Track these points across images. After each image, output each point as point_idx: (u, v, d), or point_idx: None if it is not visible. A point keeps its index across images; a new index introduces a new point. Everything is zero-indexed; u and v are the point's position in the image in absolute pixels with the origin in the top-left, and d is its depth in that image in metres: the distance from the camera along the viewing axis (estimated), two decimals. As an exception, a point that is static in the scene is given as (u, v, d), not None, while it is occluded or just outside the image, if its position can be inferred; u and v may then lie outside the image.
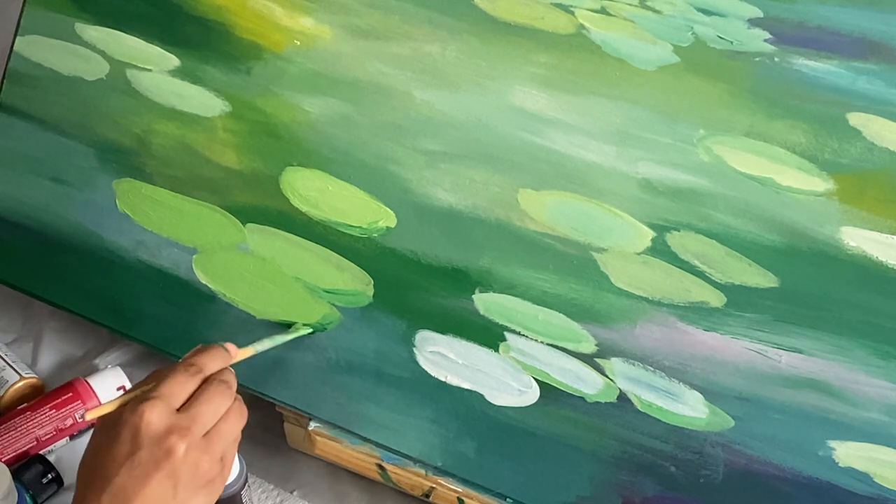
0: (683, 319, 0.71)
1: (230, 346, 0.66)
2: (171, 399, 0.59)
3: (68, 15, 0.88)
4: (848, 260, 0.69)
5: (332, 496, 0.82)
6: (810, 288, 0.69)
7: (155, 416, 0.58)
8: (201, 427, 0.59)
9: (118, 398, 0.60)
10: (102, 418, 0.60)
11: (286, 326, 0.79)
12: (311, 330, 0.79)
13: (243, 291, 0.81)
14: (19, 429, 0.82)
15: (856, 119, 0.70)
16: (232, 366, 0.66)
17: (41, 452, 0.83)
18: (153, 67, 0.85)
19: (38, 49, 0.88)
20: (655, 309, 0.72)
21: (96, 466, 0.58)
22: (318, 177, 0.80)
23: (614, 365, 0.73)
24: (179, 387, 0.60)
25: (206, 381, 0.62)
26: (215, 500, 0.61)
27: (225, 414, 0.61)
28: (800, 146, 0.70)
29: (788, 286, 0.70)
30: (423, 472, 0.76)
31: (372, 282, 0.78)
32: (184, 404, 0.60)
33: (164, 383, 0.60)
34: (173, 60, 0.84)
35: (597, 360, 0.73)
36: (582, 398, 0.73)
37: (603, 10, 0.75)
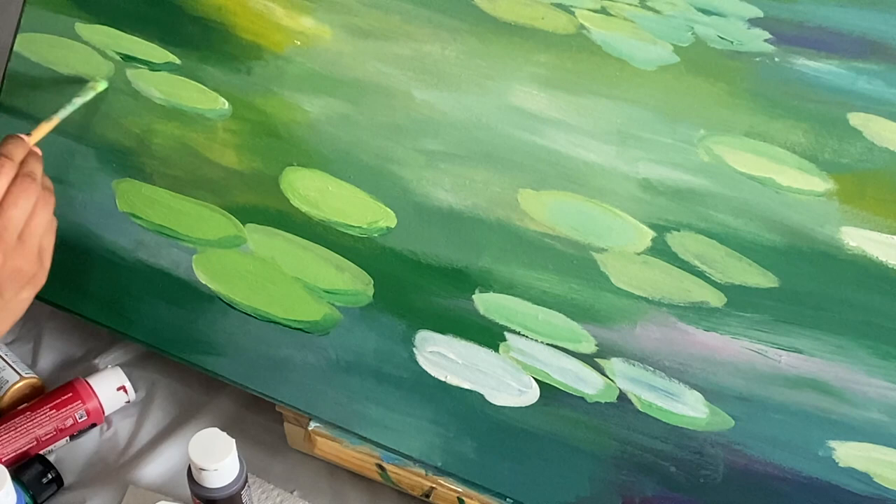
0: (683, 319, 0.71)
1: (23, 136, 0.69)
2: None
3: (68, 15, 0.88)
4: (848, 260, 0.69)
5: (332, 496, 0.82)
6: (810, 288, 0.69)
7: None
8: (13, 232, 0.62)
9: None
10: None
11: (80, 84, 0.82)
12: (106, 85, 0.82)
13: (243, 291, 0.81)
14: (19, 429, 0.82)
15: (856, 119, 0.70)
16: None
17: (41, 452, 0.83)
18: (153, 67, 0.85)
19: (38, 49, 0.88)
20: (655, 309, 0.72)
21: None
22: (318, 177, 0.80)
23: (614, 365, 0.73)
24: None
25: (11, 181, 0.64)
26: (41, 286, 0.65)
27: (32, 210, 0.64)
28: (800, 146, 0.70)
29: (788, 286, 0.70)
30: (423, 472, 0.76)
31: (372, 282, 0.78)
32: None
33: None
34: (173, 60, 0.84)
35: (597, 360, 0.73)
36: (582, 398, 0.73)
37: (603, 10, 0.75)
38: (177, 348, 0.83)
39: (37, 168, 0.66)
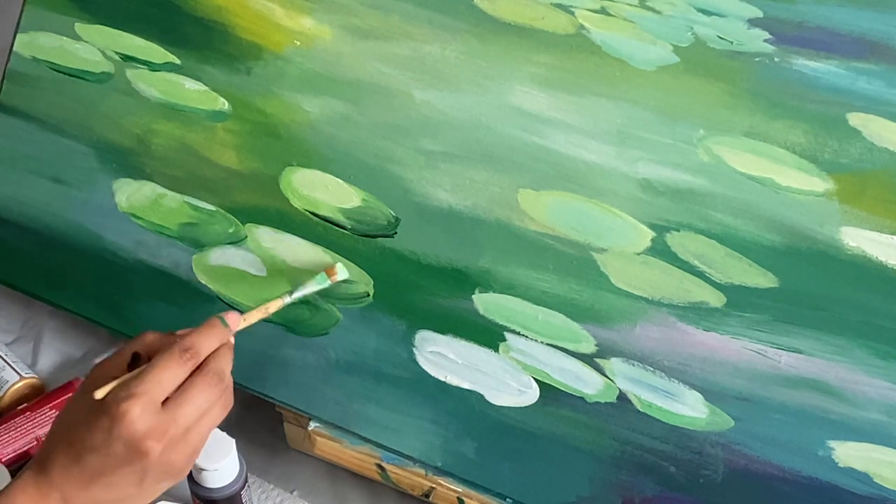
0: (683, 319, 0.71)
1: (231, 317, 0.64)
2: (158, 393, 0.58)
3: (68, 15, 0.88)
4: (848, 260, 0.69)
5: (332, 496, 0.82)
6: (810, 288, 0.69)
7: (136, 415, 0.57)
8: (182, 428, 0.58)
9: (122, 378, 0.59)
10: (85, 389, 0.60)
11: (310, 274, 0.74)
12: (346, 275, 0.74)
13: (243, 292, 0.81)
14: (19, 429, 0.82)
15: (856, 119, 0.70)
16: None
17: (41, 452, 0.83)
18: (153, 67, 0.85)
19: (38, 49, 0.88)
20: (655, 309, 0.72)
21: (71, 438, 0.59)
22: (318, 177, 0.80)
23: (614, 365, 0.73)
24: (169, 376, 0.59)
25: (197, 370, 0.60)
26: (181, 480, 0.61)
27: (208, 409, 0.60)
28: (800, 146, 0.70)
29: (788, 286, 0.70)
30: (423, 472, 0.76)
31: (372, 282, 0.78)
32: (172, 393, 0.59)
33: (155, 372, 0.58)
34: (173, 60, 0.84)
35: (597, 360, 0.73)
36: (582, 398, 0.73)
37: (603, 11, 0.75)
38: (177, 348, 0.82)
39: (226, 365, 0.61)
